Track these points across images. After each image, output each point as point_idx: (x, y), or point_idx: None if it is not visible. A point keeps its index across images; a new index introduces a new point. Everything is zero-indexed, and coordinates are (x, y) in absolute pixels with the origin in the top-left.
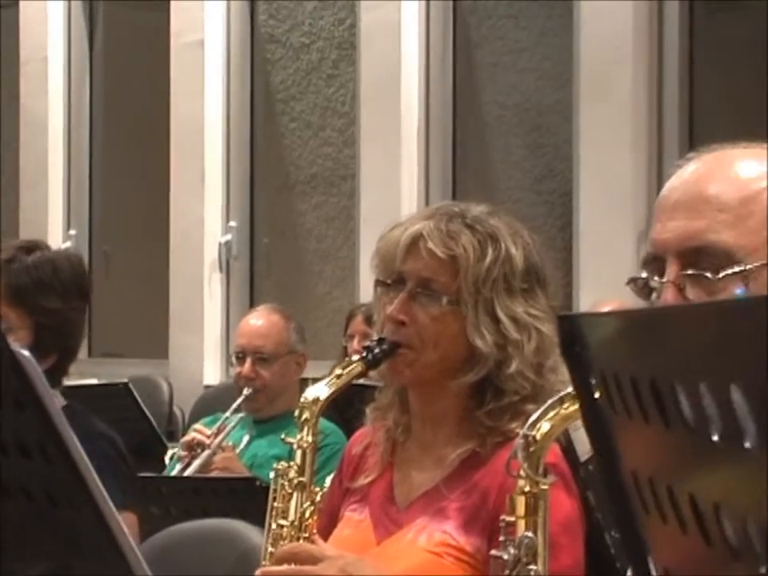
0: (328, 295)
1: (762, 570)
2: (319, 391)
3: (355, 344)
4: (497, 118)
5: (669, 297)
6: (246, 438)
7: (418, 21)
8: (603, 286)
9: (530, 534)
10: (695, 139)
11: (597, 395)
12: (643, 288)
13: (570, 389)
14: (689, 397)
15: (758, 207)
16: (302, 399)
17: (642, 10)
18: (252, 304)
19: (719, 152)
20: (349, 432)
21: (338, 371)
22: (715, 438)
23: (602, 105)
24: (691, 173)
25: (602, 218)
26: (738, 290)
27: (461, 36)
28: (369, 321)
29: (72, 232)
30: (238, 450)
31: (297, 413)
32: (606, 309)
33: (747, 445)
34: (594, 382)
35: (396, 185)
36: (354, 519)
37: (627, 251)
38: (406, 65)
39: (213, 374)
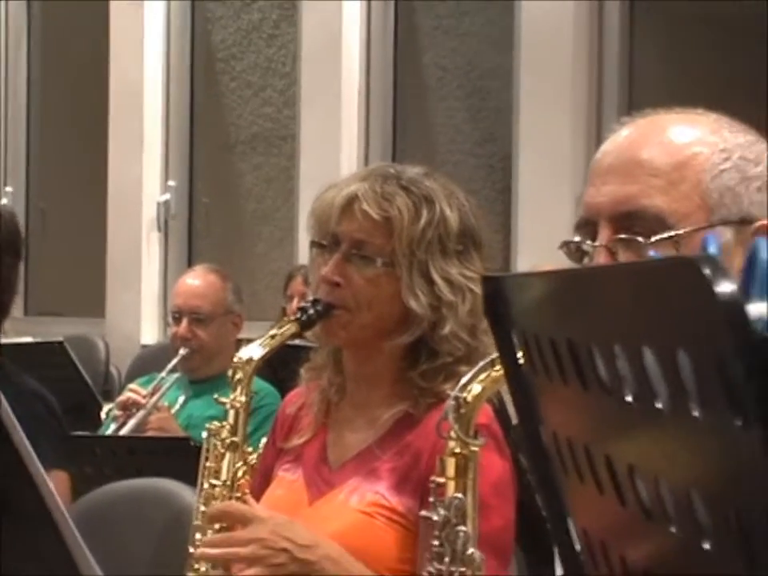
0: (267, 256)
1: (673, 530)
2: (253, 351)
3: (294, 305)
4: (437, 81)
5: (601, 261)
6: (181, 399)
7: None
8: (541, 249)
9: (459, 495)
10: (634, 107)
11: (519, 356)
12: (576, 252)
13: None
14: (604, 358)
15: (691, 172)
16: (235, 359)
17: None
18: (190, 264)
19: (653, 117)
20: (284, 393)
21: (272, 331)
22: (629, 399)
23: (542, 71)
24: (625, 137)
25: (541, 182)
26: (652, 252)
27: None
28: (308, 282)
29: (8, 189)
30: (173, 411)
31: (230, 373)
32: None
33: (659, 406)
34: (516, 342)
35: (336, 146)
36: (287, 479)
37: (565, 216)
38: (347, 26)
39: (150, 333)
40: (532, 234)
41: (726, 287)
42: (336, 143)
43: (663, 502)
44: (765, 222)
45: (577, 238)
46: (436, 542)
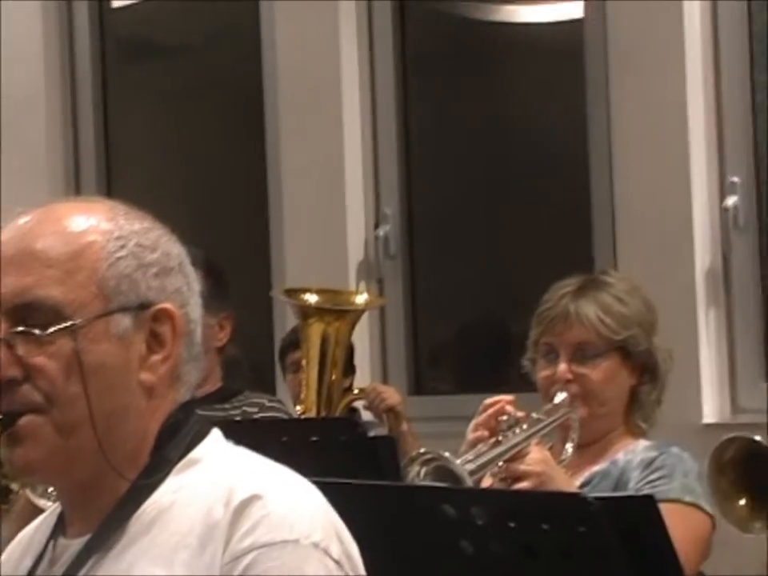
0: None
1: None
2: None
3: None
4: None
5: (2, 355)
6: None
7: None
8: None
9: None
10: (112, 176)
11: None
12: None
13: None
14: None
15: (86, 261)
16: None
17: (53, 58)
18: None
19: (49, 206)
20: None
21: None
22: None
23: (14, 156)
24: (20, 227)
25: None
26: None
27: None
28: None
29: None
30: None
31: None
32: None
33: None
34: None
35: None
36: None
37: None
38: None
39: None
40: None
41: None
42: None
43: None
44: (162, 306)
45: None
46: None
